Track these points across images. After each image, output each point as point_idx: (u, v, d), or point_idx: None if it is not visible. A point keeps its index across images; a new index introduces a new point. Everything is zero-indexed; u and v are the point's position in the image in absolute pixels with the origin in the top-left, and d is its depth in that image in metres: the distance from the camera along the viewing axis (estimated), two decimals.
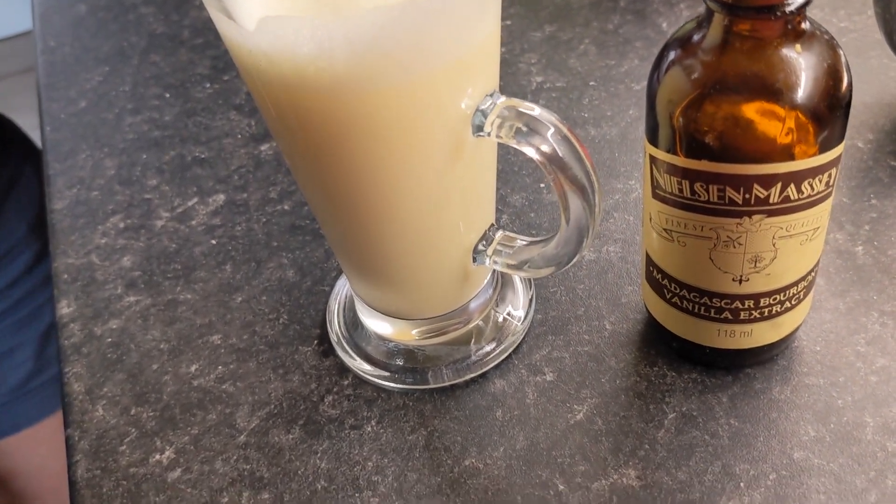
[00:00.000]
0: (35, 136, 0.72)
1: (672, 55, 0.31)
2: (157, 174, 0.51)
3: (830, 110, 0.29)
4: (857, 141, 0.46)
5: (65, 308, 0.44)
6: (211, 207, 0.49)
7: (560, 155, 0.31)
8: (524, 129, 0.31)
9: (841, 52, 0.30)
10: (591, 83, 0.53)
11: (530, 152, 0.31)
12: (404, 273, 0.37)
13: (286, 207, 0.48)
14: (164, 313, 0.43)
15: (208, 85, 0.57)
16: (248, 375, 0.40)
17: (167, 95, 0.57)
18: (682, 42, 0.31)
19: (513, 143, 0.31)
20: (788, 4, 0.28)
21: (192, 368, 0.40)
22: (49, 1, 0.69)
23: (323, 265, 0.44)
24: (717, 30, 0.29)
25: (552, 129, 0.31)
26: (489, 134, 0.31)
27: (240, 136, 0.53)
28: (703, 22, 0.30)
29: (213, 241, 0.46)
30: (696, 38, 0.31)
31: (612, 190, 0.46)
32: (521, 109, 0.31)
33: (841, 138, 0.30)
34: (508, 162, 0.48)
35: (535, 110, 0.31)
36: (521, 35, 0.57)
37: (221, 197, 0.49)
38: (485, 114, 0.31)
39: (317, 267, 0.44)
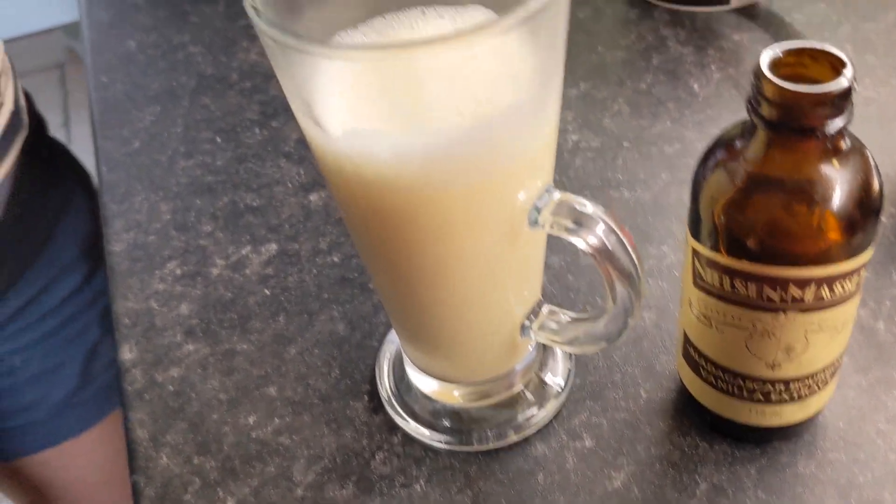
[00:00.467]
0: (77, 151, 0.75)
1: (718, 156, 0.34)
2: (211, 220, 0.54)
3: (863, 219, 0.32)
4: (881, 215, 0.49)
5: (127, 353, 0.47)
6: (264, 257, 0.51)
7: (609, 248, 0.33)
8: (576, 224, 0.33)
9: (873, 164, 0.33)
10: (625, 144, 0.56)
11: (581, 245, 0.33)
12: (454, 341, 0.39)
13: (336, 259, 0.50)
14: (222, 363, 0.46)
15: (258, 130, 0.60)
16: (303, 429, 0.42)
17: (218, 140, 0.60)
18: (728, 145, 0.34)
19: (565, 236, 0.33)
20: (828, 127, 0.30)
21: (251, 420, 0.43)
22: (100, 36, 0.72)
23: (371, 319, 0.47)
24: (761, 140, 0.32)
25: (602, 225, 0.33)
26: (543, 226, 0.34)
27: (290, 185, 0.56)
28: (748, 129, 0.33)
29: (267, 292, 0.49)
30: (739, 143, 0.33)
31: (646, 255, 0.48)
32: (574, 206, 0.33)
33: (871, 242, 0.33)
34: None
35: (588, 207, 0.33)
36: None
37: (273, 246, 0.52)
38: (540, 208, 0.33)
39: (366, 321, 0.47)
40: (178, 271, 0.51)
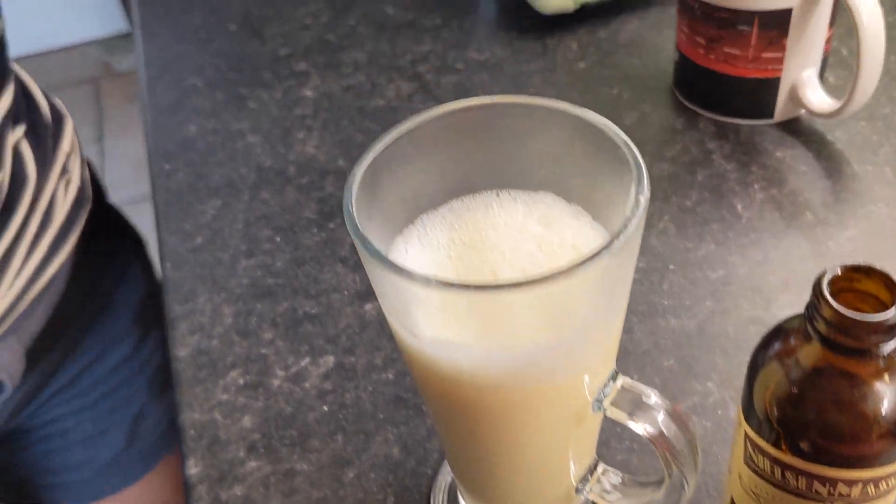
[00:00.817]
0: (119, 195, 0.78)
1: (776, 347, 0.36)
2: (272, 327, 0.56)
3: None
4: None
5: (192, 468, 0.49)
6: (322, 370, 0.54)
7: (668, 436, 0.35)
8: (636, 409, 0.36)
9: None
10: (671, 266, 0.58)
11: (641, 431, 0.36)
12: (513, 498, 0.41)
13: (390, 376, 0.53)
14: (283, 483, 0.48)
15: (315, 231, 0.62)
16: None
17: (278, 239, 0.62)
18: (786, 337, 0.36)
19: (627, 422, 0.36)
20: (881, 349, 0.32)
21: None
22: (161, 118, 0.74)
23: (425, 444, 0.49)
24: (817, 348, 0.34)
25: (662, 414, 0.35)
26: (606, 412, 0.36)
27: (346, 293, 0.58)
28: (806, 330, 0.35)
29: (325, 408, 0.52)
30: (795, 341, 0.35)
31: (691, 391, 0.50)
32: (636, 393, 0.36)
33: None
34: None
35: (650, 397, 0.36)
36: None
37: (331, 359, 0.54)
38: (604, 395, 0.36)
39: (420, 445, 0.49)
40: (241, 381, 0.53)
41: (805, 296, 0.34)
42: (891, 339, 0.32)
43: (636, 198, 0.31)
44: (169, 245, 0.63)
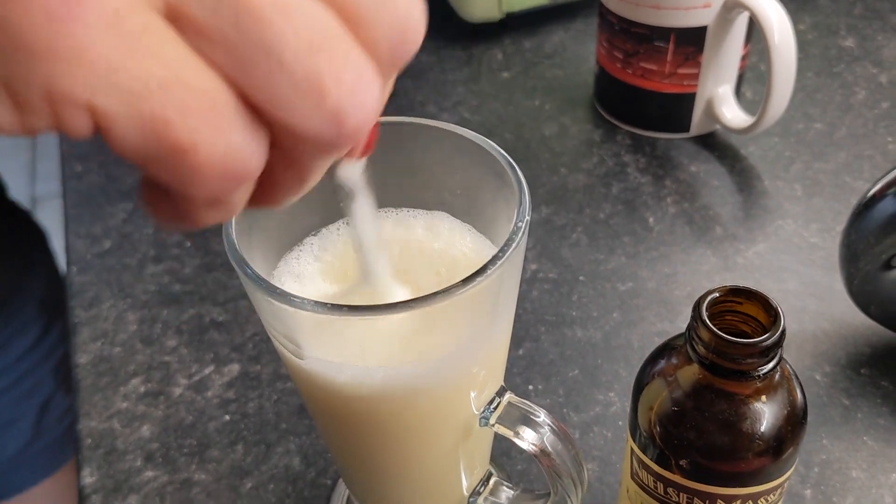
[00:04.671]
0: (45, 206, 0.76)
1: (660, 364, 0.36)
2: (177, 335, 0.55)
3: (788, 446, 0.34)
4: (815, 373, 0.52)
5: (87, 478, 0.48)
6: (226, 378, 0.53)
7: (553, 453, 0.36)
8: (523, 425, 0.36)
9: (799, 391, 0.35)
10: (581, 277, 0.58)
11: (527, 447, 0.36)
12: None
13: (294, 386, 0.52)
14: (179, 493, 0.47)
15: None
16: None
17: (187, 244, 0.61)
18: (670, 356, 0.36)
19: (513, 438, 0.36)
20: (758, 371, 0.33)
21: None
22: None
23: (326, 455, 0.49)
24: (696, 369, 0.34)
25: (548, 431, 0.35)
26: (493, 426, 0.36)
27: None
28: (687, 351, 0.35)
29: (227, 417, 0.51)
30: (677, 360, 0.35)
31: (593, 402, 0.51)
32: (523, 409, 0.36)
33: (794, 461, 0.36)
34: None
35: (538, 415, 0.36)
36: None
37: (236, 367, 0.53)
38: (490, 412, 0.36)
39: (321, 456, 0.49)
40: (142, 389, 0.52)
41: None
42: (767, 361, 0.32)
43: (516, 224, 0.31)
44: (75, 249, 0.61)
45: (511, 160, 0.33)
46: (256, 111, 0.18)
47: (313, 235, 0.36)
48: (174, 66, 0.17)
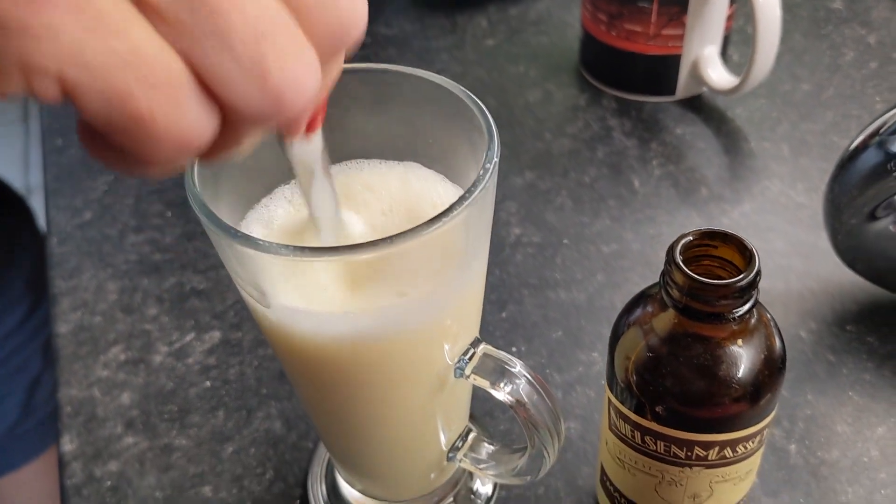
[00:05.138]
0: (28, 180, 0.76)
1: (635, 314, 0.36)
2: (157, 303, 0.55)
3: (766, 390, 0.34)
4: (800, 330, 0.51)
5: (67, 445, 0.48)
6: (206, 345, 0.52)
7: (529, 404, 0.35)
8: (498, 376, 0.35)
9: (776, 334, 0.35)
10: (565, 241, 0.57)
11: (503, 398, 0.35)
12: (385, 468, 0.41)
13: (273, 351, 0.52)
14: (160, 458, 0.47)
15: None
16: None
17: (168, 214, 0.61)
18: (645, 304, 0.36)
19: (489, 388, 0.35)
20: (733, 314, 0.32)
21: None
22: None
23: (307, 419, 0.48)
24: (671, 315, 0.34)
25: (524, 381, 0.35)
26: (468, 378, 0.35)
27: None
28: (662, 298, 0.34)
29: (208, 384, 0.50)
30: (652, 308, 0.35)
31: (576, 362, 0.50)
32: (495, 360, 0.35)
33: (774, 407, 0.35)
34: None
35: (513, 365, 0.35)
36: (504, 179, 0.62)
37: (217, 334, 0.53)
38: (465, 362, 0.35)
39: (302, 420, 0.48)
40: (122, 357, 0.52)
41: None
42: (742, 302, 0.32)
43: (484, 165, 0.30)
44: (56, 221, 0.61)
45: (478, 101, 0.32)
46: (208, 89, 0.20)
47: (285, 185, 0.36)
48: (137, 45, 0.19)
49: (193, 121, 0.20)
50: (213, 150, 0.23)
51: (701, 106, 0.68)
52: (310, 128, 0.28)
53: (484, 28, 0.78)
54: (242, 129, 0.22)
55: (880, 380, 0.48)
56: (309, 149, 0.29)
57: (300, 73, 0.21)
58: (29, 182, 2.09)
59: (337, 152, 0.37)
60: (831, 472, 0.45)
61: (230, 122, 0.22)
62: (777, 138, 0.64)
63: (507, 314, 0.53)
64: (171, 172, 0.22)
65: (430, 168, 0.37)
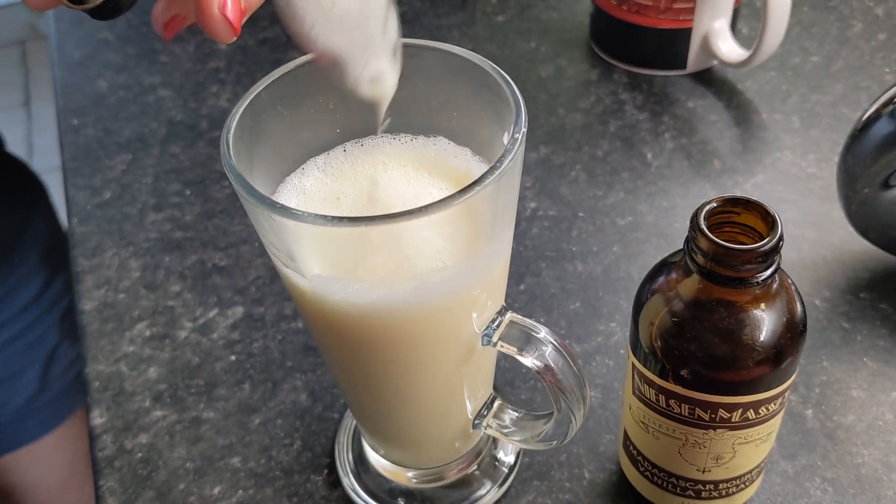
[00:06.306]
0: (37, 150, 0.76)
1: (659, 281, 0.37)
2: (180, 280, 0.56)
3: (787, 354, 0.35)
4: (815, 299, 0.52)
5: (97, 419, 0.49)
6: (230, 320, 0.53)
7: (556, 369, 0.36)
8: (525, 343, 0.36)
9: (798, 299, 0.35)
10: (580, 214, 0.58)
11: (530, 364, 0.36)
12: (413, 436, 0.42)
13: (300, 325, 0.53)
14: (189, 431, 0.48)
15: (227, 184, 0.62)
16: (266, 502, 0.45)
17: (188, 192, 0.61)
18: (669, 272, 0.36)
19: (516, 355, 0.36)
20: (756, 278, 0.33)
21: (216, 491, 0.45)
22: (70, 76, 0.73)
23: (332, 390, 0.49)
24: (695, 280, 0.34)
25: (550, 348, 0.36)
26: (495, 345, 0.36)
27: (256, 244, 0.58)
28: (686, 264, 0.35)
29: (233, 358, 0.51)
30: (677, 274, 0.36)
31: (595, 332, 0.51)
32: (522, 328, 0.36)
33: (795, 370, 0.36)
34: None
35: (539, 332, 0.36)
36: None
37: (240, 310, 0.54)
38: (492, 332, 0.36)
39: (327, 392, 0.49)
40: (147, 333, 0.53)
41: None
42: (766, 267, 0.33)
43: (513, 135, 0.31)
44: (76, 201, 0.62)
45: (503, 73, 0.33)
46: None
47: (317, 157, 0.36)
48: None
49: None
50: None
51: (712, 79, 0.68)
52: None
53: (494, 4, 0.78)
54: None
55: (894, 345, 0.49)
56: None
57: None
58: (32, 166, 2.09)
59: (363, 129, 0.37)
60: (847, 436, 0.45)
61: None
62: (787, 110, 0.65)
63: (525, 286, 0.54)
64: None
65: (454, 142, 0.37)
